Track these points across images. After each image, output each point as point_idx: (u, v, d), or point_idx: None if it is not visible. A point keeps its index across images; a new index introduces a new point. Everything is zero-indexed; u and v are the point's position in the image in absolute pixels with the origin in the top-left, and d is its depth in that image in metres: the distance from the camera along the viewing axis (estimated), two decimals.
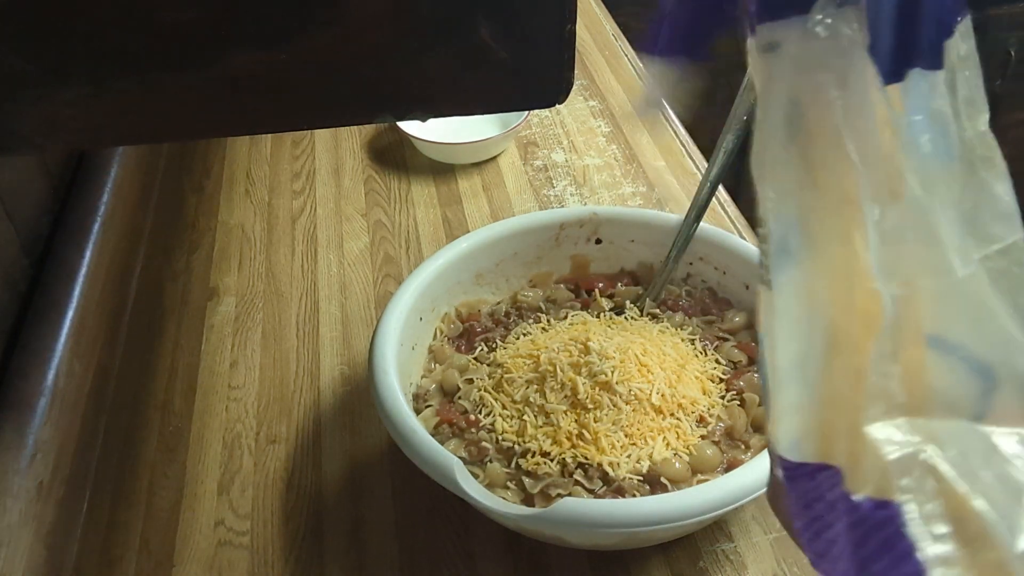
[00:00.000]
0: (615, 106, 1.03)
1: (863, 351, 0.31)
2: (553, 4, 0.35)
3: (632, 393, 0.57)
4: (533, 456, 0.57)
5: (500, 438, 0.59)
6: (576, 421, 0.57)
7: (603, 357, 0.59)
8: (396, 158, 0.98)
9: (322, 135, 1.03)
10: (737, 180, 2.09)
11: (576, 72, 0.37)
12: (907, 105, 0.31)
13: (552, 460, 0.57)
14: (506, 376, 0.61)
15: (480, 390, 0.62)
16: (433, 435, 0.57)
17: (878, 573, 0.29)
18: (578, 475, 0.56)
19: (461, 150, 0.94)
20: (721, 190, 0.87)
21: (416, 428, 0.55)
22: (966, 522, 0.28)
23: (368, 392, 0.59)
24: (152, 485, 0.65)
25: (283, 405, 0.70)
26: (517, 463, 0.57)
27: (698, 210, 0.68)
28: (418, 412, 0.61)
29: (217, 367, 0.74)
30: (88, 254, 0.74)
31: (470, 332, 0.68)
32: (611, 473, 0.55)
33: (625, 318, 0.67)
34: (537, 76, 0.37)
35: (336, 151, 1.00)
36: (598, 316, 0.67)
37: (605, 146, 0.97)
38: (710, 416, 0.59)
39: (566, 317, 0.67)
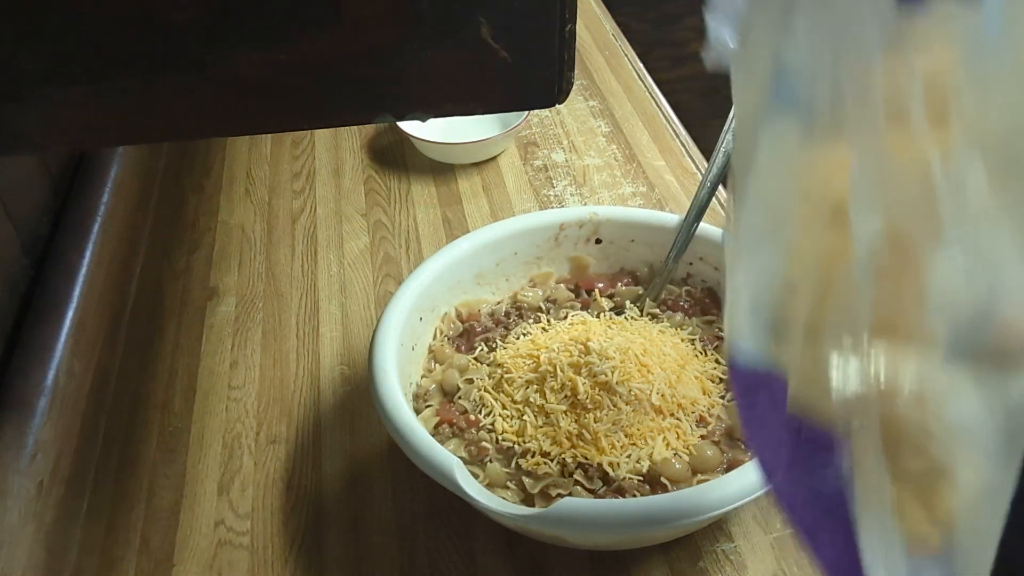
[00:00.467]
0: (615, 106, 1.04)
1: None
2: (553, 4, 0.35)
3: (632, 393, 0.57)
4: (533, 456, 0.57)
5: (500, 438, 0.59)
6: (576, 421, 0.57)
7: (603, 357, 0.59)
8: (396, 158, 0.98)
9: (322, 135, 1.03)
10: None
11: (576, 72, 0.37)
12: None
13: (552, 460, 0.57)
14: (506, 376, 0.61)
15: (480, 390, 0.62)
16: (433, 435, 0.57)
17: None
18: (578, 475, 0.56)
19: (461, 150, 0.94)
20: (721, 190, 0.87)
21: (416, 428, 0.55)
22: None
23: (368, 392, 0.59)
24: (152, 485, 0.65)
25: (283, 405, 0.70)
26: (517, 463, 0.57)
27: (698, 210, 0.68)
28: (418, 412, 0.61)
29: (217, 367, 0.74)
30: (88, 254, 0.74)
31: (470, 332, 0.68)
32: (611, 473, 0.55)
33: (625, 318, 0.67)
34: (537, 76, 0.37)
35: (336, 151, 1.00)
36: (598, 316, 0.67)
37: (605, 146, 0.97)
38: (710, 416, 0.59)
39: (566, 317, 0.67)
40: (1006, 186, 0.24)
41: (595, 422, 0.57)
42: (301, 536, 0.61)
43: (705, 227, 0.69)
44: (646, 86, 1.07)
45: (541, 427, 0.58)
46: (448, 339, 0.68)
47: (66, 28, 0.33)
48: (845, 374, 0.28)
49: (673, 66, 1.66)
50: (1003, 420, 0.25)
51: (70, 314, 0.68)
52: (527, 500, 0.55)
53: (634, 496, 0.54)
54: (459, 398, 0.62)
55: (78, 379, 0.67)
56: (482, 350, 0.66)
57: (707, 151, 0.77)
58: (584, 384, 0.58)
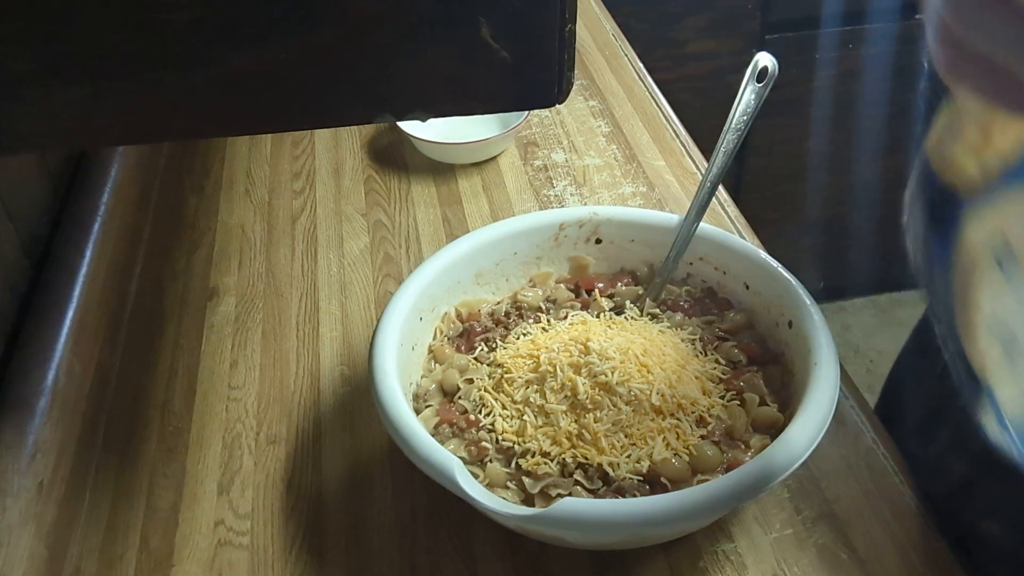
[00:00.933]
0: (615, 106, 1.04)
1: None
2: (553, 4, 0.35)
3: (632, 393, 0.57)
4: (533, 456, 0.57)
5: (500, 438, 0.59)
6: (576, 421, 0.57)
7: (603, 357, 0.59)
8: (396, 158, 0.98)
9: (322, 135, 1.03)
10: (737, 180, 2.08)
11: (576, 72, 0.37)
12: None
13: (552, 460, 0.57)
14: (506, 376, 0.61)
15: (480, 390, 0.62)
16: (433, 435, 0.57)
17: None
18: (578, 475, 0.56)
19: (461, 150, 0.94)
20: (721, 190, 0.87)
21: (416, 428, 0.55)
22: None
23: (368, 392, 0.59)
24: (152, 485, 0.65)
25: (283, 405, 0.70)
26: (517, 463, 0.57)
27: (698, 210, 0.68)
28: (418, 412, 0.61)
29: (217, 367, 0.74)
30: (88, 254, 0.74)
31: (470, 332, 0.68)
32: (611, 473, 0.55)
33: (625, 318, 0.67)
34: (537, 76, 0.37)
35: (336, 151, 1.00)
36: (598, 316, 0.67)
37: (605, 146, 0.97)
38: (710, 416, 0.59)
39: (566, 317, 0.67)
40: None
41: (595, 422, 0.57)
42: (301, 536, 0.61)
43: (705, 227, 0.69)
44: (646, 86, 1.07)
45: (541, 427, 0.58)
46: (448, 339, 0.68)
47: (65, 28, 0.33)
48: None
49: (673, 66, 1.66)
50: None
51: (70, 314, 0.68)
52: (527, 500, 0.55)
53: (634, 496, 0.54)
54: (459, 398, 0.62)
55: (78, 379, 0.67)
56: (482, 350, 0.66)
57: (707, 151, 0.77)
58: (584, 384, 0.58)
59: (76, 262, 0.72)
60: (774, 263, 0.65)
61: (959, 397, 0.42)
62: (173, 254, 0.86)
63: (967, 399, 0.41)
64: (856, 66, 1.68)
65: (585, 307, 0.69)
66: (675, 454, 0.56)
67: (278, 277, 0.83)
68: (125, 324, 0.78)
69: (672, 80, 1.64)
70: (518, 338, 0.66)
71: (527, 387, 0.60)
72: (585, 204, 0.89)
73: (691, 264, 0.70)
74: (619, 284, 0.71)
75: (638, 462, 0.56)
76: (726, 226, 0.84)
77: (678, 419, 0.58)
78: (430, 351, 0.67)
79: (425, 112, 0.38)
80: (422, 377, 0.65)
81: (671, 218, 0.70)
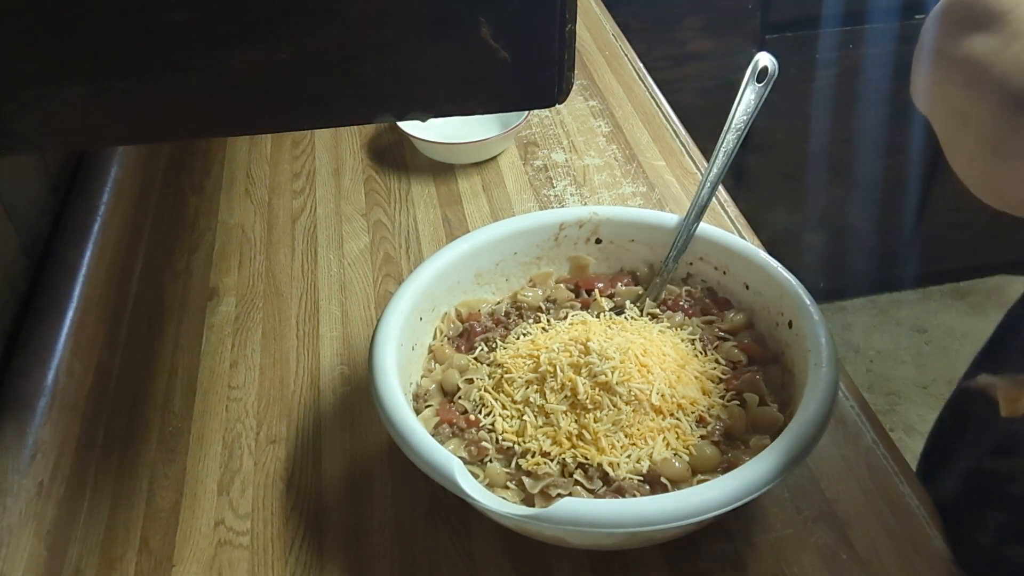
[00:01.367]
0: (615, 106, 1.04)
1: None
2: (553, 4, 0.35)
3: (632, 393, 0.57)
4: (533, 456, 0.57)
5: (500, 438, 0.59)
6: (576, 421, 0.57)
7: (603, 357, 0.59)
8: (396, 158, 0.98)
9: (322, 135, 1.03)
10: (737, 180, 2.08)
11: (576, 72, 0.37)
12: None
13: (552, 460, 0.57)
14: (506, 376, 0.61)
15: (480, 390, 0.62)
16: (433, 435, 0.57)
17: None
18: (578, 475, 0.56)
19: (461, 150, 0.94)
20: (721, 190, 0.87)
21: (416, 428, 0.55)
22: None
23: (368, 392, 0.59)
24: (152, 485, 0.65)
25: (283, 405, 0.70)
26: (517, 463, 0.57)
27: (698, 210, 0.68)
28: (418, 412, 0.61)
29: (217, 367, 0.74)
30: (88, 254, 0.74)
31: (470, 332, 0.68)
32: (611, 473, 0.55)
33: (625, 318, 0.67)
34: (537, 76, 0.37)
35: (336, 151, 1.00)
36: (598, 316, 0.67)
37: (605, 146, 0.97)
38: (710, 416, 0.59)
39: (566, 317, 0.67)
40: None
41: (595, 422, 0.57)
42: (301, 536, 0.61)
43: (705, 227, 0.69)
44: (646, 86, 1.07)
45: (541, 427, 0.58)
46: (448, 339, 0.68)
47: (66, 28, 0.33)
48: None
49: (673, 66, 1.66)
50: None
51: (70, 314, 0.68)
52: (527, 500, 0.55)
53: (634, 496, 0.54)
54: (459, 398, 0.62)
55: (78, 379, 0.67)
56: (482, 350, 0.66)
57: (707, 151, 0.77)
58: (584, 384, 0.58)
59: (76, 262, 0.72)
60: (774, 263, 0.65)
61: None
62: (173, 254, 0.86)
63: None
64: (856, 66, 1.68)
65: (585, 307, 0.69)
66: (675, 454, 0.56)
67: (278, 277, 0.83)
68: (125, 324, 0.78)
69: (672, 80, 1.63)
70: (518, 338, 0.66)
71: (527, 387, 0.60)
72: (585, 204, 0.89)
73: (691, 264, 0.70)
74: (619, 284, 0.71)
75: (638, 462, 0.56)
76: (726, 226, 0.84)
77: (678, 419, 0.58)
78: (430, 351, 0.67)
79: (425, 112, 0.38)
80: (422, 377, 0.65)
81: (671, 218, 0.70)
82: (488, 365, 0.64)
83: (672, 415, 0.58)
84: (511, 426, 0.59)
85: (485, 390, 0.62)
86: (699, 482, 0.55)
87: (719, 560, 0.58)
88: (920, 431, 1.79)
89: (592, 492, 0.55)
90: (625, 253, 0.72)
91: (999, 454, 0.60)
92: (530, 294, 0.71)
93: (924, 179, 1.84)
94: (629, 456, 0.56)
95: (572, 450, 0.57)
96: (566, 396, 0.58)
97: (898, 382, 1.91)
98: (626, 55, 1.14)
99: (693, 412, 0.59)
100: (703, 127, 1.01)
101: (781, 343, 0.64)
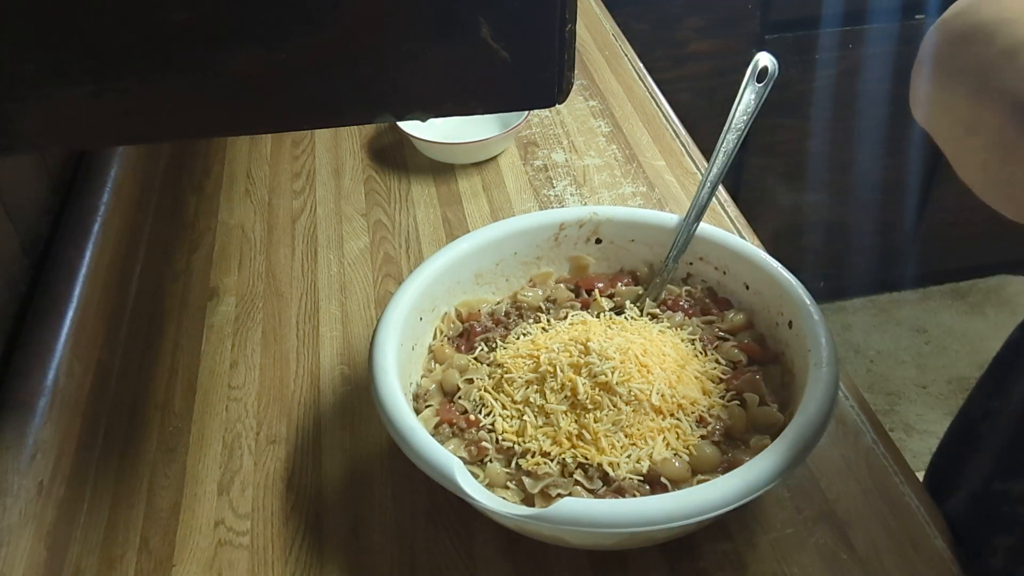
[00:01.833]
0: (615, 106, 1.04)
1: None
2: (553, 4, 0.35)
3: (632, 393, 0.57)
4: (533, 456, 0.57)
5: (500, 438, 0.59)
6: (576, 421, 0.57)
7: (603, 357, 0.59)
8: (396, 158, 0.98)
9: (322, 135, 1.03)
10: (737, 180, 2.08)
11: (576, 72, 0.37)
12: None
13: (552, 460, 0.57)
14: (506, 376, 0.61)
15: (480, 390, 0.62)
16: (433, 435, 0.57)
17: None
18: (578, 475, 0.56)
19: (461, 150, 0.94)
20: (721, 190, 0.87)
21: (416, 428, 0.55)
22: None
23: (368, 392, 0.59)
24: (152, 485, 0.65)
25: (283, 405, 0.70)
26: (517, 463, 0.57)
27: (698, 210, 0.68)
28: (418, 412, 0.61)
29: (217, 367, 0.74)
30: (88, 254, 0.74)
31: (470, 332, 0.68)
32: (611, 473, 0.55)
33: (625, 318, 0.67)
34: (537, 76, 0.37)
35: (336, 151, 1.00)
36: (598, 316, 0.67)
37: (605, 146, 0.97)
38: (710, 416, 0.59)
39: (566, 317, 0.67)
40: None
41: (595, 422, 0.57)
42: (301, 536, 0.61)
43: (705, 227, 0.69)
44: (646, 86, 1.07)
45: (541, 427, 0.58)
46: (448, 339, 0.68)
47: (66, 28, 0.33)
48: None
49: (673, 66, 1.66)
50: None
51: (70, 314, 0.68)
52: (527, 500, 0.55)
53: (634, 496, 0.54)
54: (459, 398, 0.62)
55: (78, 379, 0.67)
56: (482, 350, 0.66)
57: (707, 151, 0.77)
58: (584, 384, 0.58)
59: (76, 262, 0.72)
60: (774, 263, 0.65)
61: None
62: (173, 254, 0.86)
63: None
64: (856, 66, 1.68)
65: (585, 307, 0.69)
66: (675, 454, 0.56)
67: (278, 277, 0.83)
68: (125, 324, 0.78)
69: (672, 80, 1.64)
70: (518, 338, 0.66)
71: (527, 387, 0.60)
72: (585, 204, 0.89)
73: (691, 264, 0.70)
74: (619, 284, 0.71)
75: (638, 462, 0.56)
76: (726, 226, 0.84)
77: (678, 419, 0.58)
78: (430, 351, 0.67)
79: (425, 112, 0.38)
80: (422, 377, 0.65)
81: (671, 218, 0.70)
82: (488, 365, 0.64)
83: (672, 415, 0.58)
84: (511, 426, 0.59)
85: (485, 390, 0.62)
86: (699, 482, 0.55)
87: (719, 560, 0.58)
88: (920, 431, 1.80)
89: (592, 492, 0.55)
90: (625, 253, 0.72)
91: (1009, 476, 0.60)
92: (530, 294, 0.71)
93: (924, 179, 1.84)
94: (629, 456, 0.56)
95: (572, 450, 0.57)
96: (566, 396, 0.58)
97: (898, 382, 1.91)
98: (626, 55, 1.14)
99: (693, 412, 0.59)
100: (703, 127, 1.01)
101: (781, 343, 0.64)
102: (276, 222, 0.90)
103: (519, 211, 0.88)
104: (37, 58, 0.33)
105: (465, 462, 0.56)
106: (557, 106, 0.69)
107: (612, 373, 0.58)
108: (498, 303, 0.71)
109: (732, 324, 0.67)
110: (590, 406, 0.57)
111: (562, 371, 0.59)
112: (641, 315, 0.68)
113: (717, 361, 0.63)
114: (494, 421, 0.59)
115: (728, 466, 0.56)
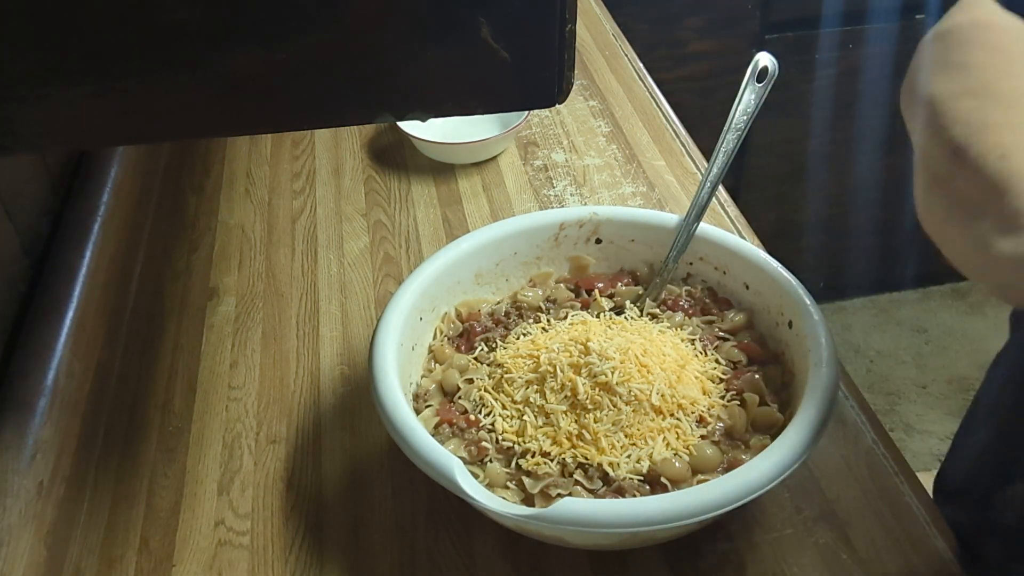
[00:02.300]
0: (615, 106, 1.04)
1: None
2: (553, 4, 0.35)
3: (632, 394, 0.57)
4: (533, 456, 0.57)
5: (500, 438, 0.59)
6: (576, 421, 0.57)
7: (603, 358, 0.59)
8: (396, 158, 0.98)
9: (322, 135, 1.03)
10: (737, 180, 2.08)
11: (576, 72, 0.37)
12: None
13: (552, 460, 0.57)
14: (506, 376, 0.61)
15: (480, 390, 0.62)
16: (433, 435, 0.57)
17: None
18: (578, 475, 0.56)
19: (461, 150, 0.94)
20: (721, 190, 0.87)
21: (416, 428, 0.55)
22: None
23: (368, 392, 0.59)
24: (152, 485, 0.65)
25: (283, 405, 0.70)
26: (517, 463, 0.57)
27: (698, 210, 0.68)
28: (418, 412, 0.61)
29: (217, 367, 0.74)
30: (88, 254, 0.74)
31: (470, 332, 0.68)
32: (611, 473, 0.55)
33: (625, 318, 0.67)
34: (537, 76, 0.37)
35: (336, 151, 1.00)
36: (598, 316, 0.67)
37: (605, 146, 0.97)
38: (710, 416, 0.59)
39: (566, 317, 0.67)
40: None
41: (595, 422, 0.57)
42: (301, 536, 0.61)
43: (705, 227, 0.69)
44: (646, 86, 1.07)
45: (541, 427, 0.58)
46: (448, 339, 0.68)
47: (66, 28, 0.33)
48: None
49: (673, 66, 1.66)
50: None
51: (70, 314, 0.68)
52: (527, 500, 0.55)
53: (634, 496, 0.54)
54: (459, 398, 0.62)
55: (78, 379, 0.67)
56: (482, 350, 0.66)
57: (707, 151, 0.77)
58: (584, 384, 0.58)
59: (76, 262, 0.72)
60: (774, 263, 0.65)
61: None
62: (173, 254, 0.86)
63: None
64: (856, 66, 1.68)
65: (585, 307, 0.69)
66: (675, 454, 0.56)
67: (278, 277, 0.83)
68: (125, 324, 0.78)
69: (672, 80, 1.63)
70: (518, 338, 0.66)
71: (527, 387, 0.60)
72: (585, 204, 0.89)
73: (691, 264, 0.70)
74: (619, 284, 0.71)
75: (638, 462, 0.56)
76: (726, 226, 0.84)
77: (678, 419, 0.58)
78: (430, 351, 0.67)
79: (425, 112, 0.38)
80: (422, 377, 0.65)
81: (671, 218, 0.70)
82: (488, 365, 0.64)
83: (672, 415, 0.58)
84: (511, 426, 0.59)
85: (485, 390, 0.62)
86: (699, 482, 0.55)
87: (719, 560, 0.58)
88: (920, 431, 1.79)
89: (592, 492, 0.55)
90: (625, 253, 0.72)
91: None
92: (530, 294, 0.71)
93: None
94: (629, 456, 0.56)
95: (572, 450, 0.57)
96: (566, 396, 0.58)
97: (898, 382, 1.91)
98: (626, 55, 1.14)
99: (693, 412, 0.59)
100: (703, 127, 1.01)
101: (781, 343, 0.64)
102: (276, 222, 0.90)
103: (519, 211, 0.88)
104: (37, 58, 0.33)
105: (465, 462, 0.56)
106: (557, 106, 0.69)
107: (612, 373, 0.58)
108: (498, 303, 0.71)
109: (732, 324, 0.67)
110: (590, 406, 0.57)
111: (562, 371, 0.59)
112: (641, 315, 0.68)
113: (717, 361, 0.63)
114: (494, 421, 0.59)
115: (728, 466, 0.56)
